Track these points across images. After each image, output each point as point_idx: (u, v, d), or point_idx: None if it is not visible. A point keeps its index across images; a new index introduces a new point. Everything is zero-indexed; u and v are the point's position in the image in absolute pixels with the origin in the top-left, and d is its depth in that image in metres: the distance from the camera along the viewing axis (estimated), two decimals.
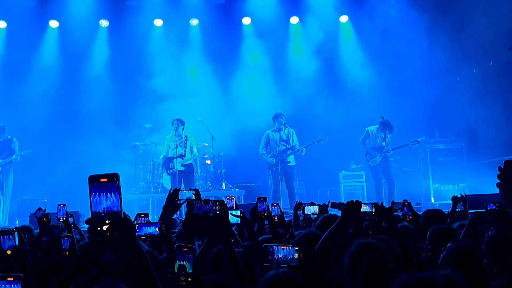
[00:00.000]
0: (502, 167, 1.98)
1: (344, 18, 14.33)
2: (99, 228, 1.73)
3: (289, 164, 11.29)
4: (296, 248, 2.75)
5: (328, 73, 14.08)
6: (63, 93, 13.78)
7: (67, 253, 3.96)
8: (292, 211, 6.29)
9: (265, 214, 4.33)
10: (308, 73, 13.97)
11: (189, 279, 2.32)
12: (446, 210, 6.44)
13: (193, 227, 2.42)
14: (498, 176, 1.96)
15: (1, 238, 3.79)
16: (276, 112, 11.44)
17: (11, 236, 3.81)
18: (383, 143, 11.28)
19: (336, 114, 13.47)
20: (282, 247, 2.79)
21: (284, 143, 11.27)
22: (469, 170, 11.82)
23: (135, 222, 3.96)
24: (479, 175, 11.28)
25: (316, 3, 14.16)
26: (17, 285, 2.34)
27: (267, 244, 2.84)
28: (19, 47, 13.63)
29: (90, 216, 1.75)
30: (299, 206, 5.54)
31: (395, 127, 11.49)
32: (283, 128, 11.31)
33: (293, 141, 11.31)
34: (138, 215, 4.00)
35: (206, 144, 12.69)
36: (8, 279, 2.35)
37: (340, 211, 4.75)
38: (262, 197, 4.39)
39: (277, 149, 11.22)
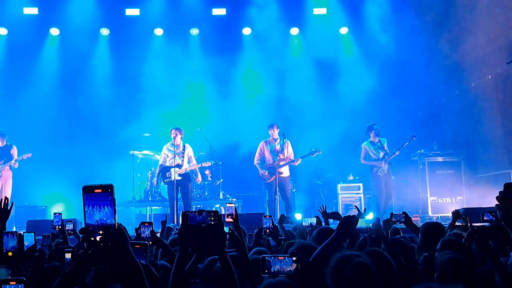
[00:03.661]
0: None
1: (344, 30, 14.40)
2: (92, 238, 1.73)
3: (282, 175, 11.16)
4: (294, 258, 2.77)
5: (327, 84, 14.10)
6: (62, 101, 13.81)
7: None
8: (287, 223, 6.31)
9: (269, 231, 4.55)
10: (307, 83, 14.03)
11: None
12: (444, 223, 6.44)
13: (188, 237, 2.42)
14: (497, 198, 1.98)
15: (4, 238, 3.82)
16: (271, 123, 11.41)
17: (14, 236, 3.83)
18: (383, 152, 11.28)
19: (334, 125, 13.48)
20: (279, 258, 2.81)
21: (278, 154, 11.23)
22: (467, 183, 11.81)
23: (138, 231, 4.09)
24: (477, 189, 11.28)
25: (316, 14, 14.22)
26: None
27: (264, 255, 2.86)
28: (20, 54, 13.69)
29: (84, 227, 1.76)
30: (283, 219, 5.70)
31: (394, 139, 11.48)
32: (278, 139, 11.31)
33: (287, 152, 11.25)
34: (142, 223, 4.10)
35: (204, 153, 12.69)
36: (11, 283, 2.40)
37: (330, 220, 4.76)
38: (268, 215, 4.67)
39: (267, 160, 11.23)
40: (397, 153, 11.19)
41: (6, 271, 2.54)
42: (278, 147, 11.21)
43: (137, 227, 4.40)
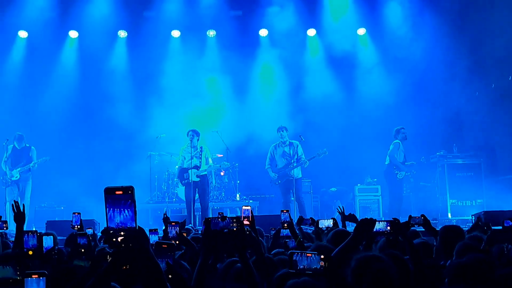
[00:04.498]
0: None
1: (361, 31, 14.31)
2: (114, 239, 1.76)
3: (294, 177, 11.20)
4: (322, 256, 2.78)
5: (345, 85, 14.05)
6: (81, 102, 13.94)
7: (82, 250, 4.11)
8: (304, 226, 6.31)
9: (286, 224, 4.72)
10: (324, 84, 13.96)
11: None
12: (464, 226, 6.37)
13: (211, 242, 2.45)
14: None
15: (25, 237, 4.03)
16: (280, 125, 11.44)
17: (34, 235, 4.05)
18: (404, 156, 11.30)
19: (352, 127, 13.44)
20: (307, 255, 2.82)
21: (288, 157, 11.27)
22: (487, 186, 11.68)
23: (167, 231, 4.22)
24: (497, 191, 11.15)
25: (333, 15, 14.17)
26: (42, 282, 2.43)
27: (292, 252, 2.87)
28: (39, 56, 13.83)
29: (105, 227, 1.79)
30: (301, 221, 5.72)
31: (413, 142, 11.43)
32: (287, 142, 11.33)
33: (297, 154, 11.27)
34: (169, 223, 4.24)
35: (221, 155, 12.72)
36: (33, 276, 2.46)
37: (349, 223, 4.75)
38: (284, 210, 4.80)
39: (278, 164, 11.28)
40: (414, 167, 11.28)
41: (12, 270, 2.60)
42: (287, 150, 11.27)
43: (152, 228, 4.48)
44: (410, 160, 11.47)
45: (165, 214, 5.51)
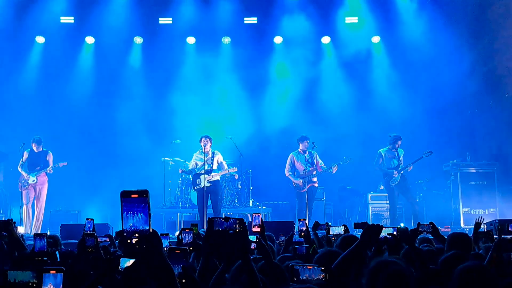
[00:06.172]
0: None
1: (376, 39, 14.32)
2: (128, 241, 1.83)
3: (315, 184, 11.53)
4: (322, 268, 2.79)
5: (358, 93, 14.06)
6: (97, 108, 14.10)
7: (90, 250, 4.21)
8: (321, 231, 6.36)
9: (303, 233, 4.79)
10: (339, 92, 13.98)
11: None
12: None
13: (212, 243, 2.48)
14: None
15: (35, 241, 4.17)
16: (302, 135, 11.59)
17: (43, 239, 4.19)
18: (397, 162, 11.25)
19: (366, 135, 13.43)
20: (308, 267, 2.84)
21: (309, 165, 11.39)
22: (500, 194, 11.60)
23: (180, 237, 4.26)
24: (510, 200, 11.08)
25: (348, 23, 14.20)
26: (60, 277, 2.53)
27: (293, 264, 2.89)
28: (56, 61, 14.03)
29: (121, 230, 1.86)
30: (317, 226, 5.76)
31: (426, 150, 11.39)
32: (307, 150, 11.46)
33: (317, 162, 11.42)
34: (183, 229, 4.26)
35: (231, 161, 12.78)
36: (51, 272, 2.58)
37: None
38: (302, 218, 4.95)
39: (305, 170, 11.33)
40: (410, 168, 11.16)
41: (31, 274, 2.68)
42: (308, 157, 11.40)
43: (163, 232, 4.53)
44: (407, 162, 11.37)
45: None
